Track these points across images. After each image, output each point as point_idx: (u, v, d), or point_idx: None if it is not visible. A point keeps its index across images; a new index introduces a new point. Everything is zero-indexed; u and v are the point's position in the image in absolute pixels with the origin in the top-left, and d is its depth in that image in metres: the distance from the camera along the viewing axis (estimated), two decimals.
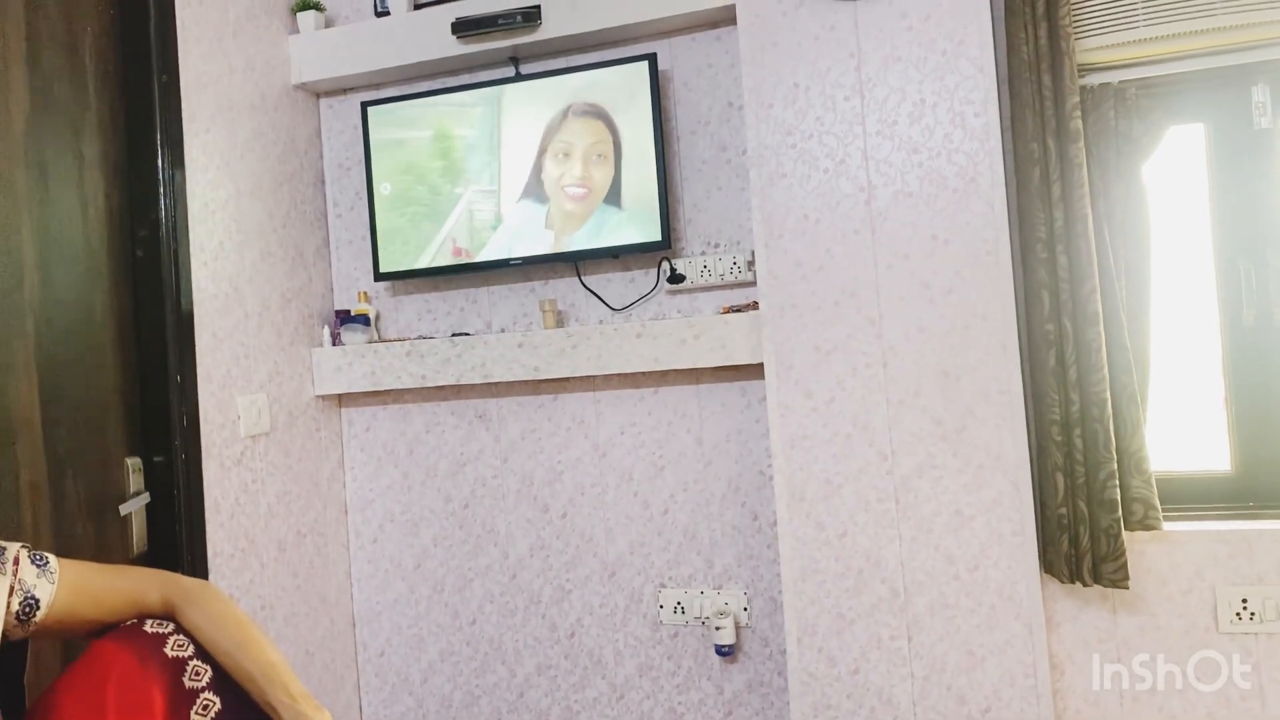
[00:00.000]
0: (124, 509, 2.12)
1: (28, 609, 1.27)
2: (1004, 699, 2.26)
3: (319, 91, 2.99)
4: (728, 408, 2.67)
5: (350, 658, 3.00)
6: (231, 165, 2.56)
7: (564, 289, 2.80)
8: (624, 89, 2.60)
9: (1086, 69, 2.36)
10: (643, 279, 2.73)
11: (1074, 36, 2.25)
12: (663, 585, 2.74)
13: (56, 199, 2.03)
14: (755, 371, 2.59)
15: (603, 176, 2.63)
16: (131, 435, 2.21)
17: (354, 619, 3.03)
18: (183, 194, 2.33)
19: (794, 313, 2.39)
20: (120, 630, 1.34)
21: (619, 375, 2.75)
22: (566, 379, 2.80)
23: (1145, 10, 2.24)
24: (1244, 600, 2.24)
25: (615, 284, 2.75)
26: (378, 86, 2.96)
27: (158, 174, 2.27)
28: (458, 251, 2.75)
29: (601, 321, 2.76)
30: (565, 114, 2.66)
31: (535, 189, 2.69)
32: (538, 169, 2.68)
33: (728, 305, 2.60)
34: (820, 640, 2.38)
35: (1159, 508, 2.23)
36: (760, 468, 2.64)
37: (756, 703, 2.65)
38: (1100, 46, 2.29)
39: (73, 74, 2.10)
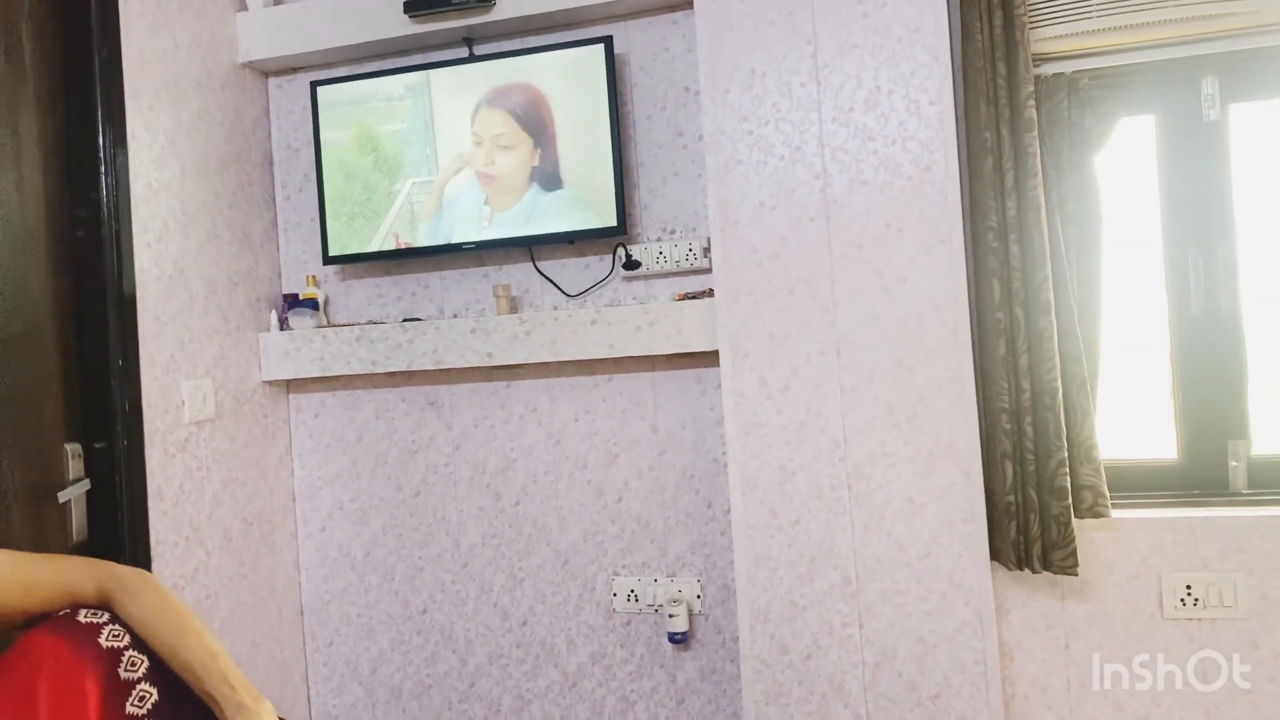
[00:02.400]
0: (63, 496, 2.07)
1: None
2: (954, 685, 2.27)
3: (267, 70, 2.93)
4: (683, 395, 2.66)
5: (298, 648, 2.96)
6: (176, 144, 2.50)
7: (518, 274, 2.77)
8: (565, 73, 2.58)
9: (1041, 59, 2.37)
10: (598, 265, 2.71)
11: (1029, 26, 2.25)
12: (616, 573, 2.73)
13: None
14: (710, 359, 2.58)
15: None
16: (71, 421, 2.16)
17: (302, 608, 2.98)
18: (125, 173, 2.27)
19: (749, 300, 2.38)
20: (53, 620, 1.31)
21: (573, 362, 2.73)
22: (520, 365, 2.77)
23: (1099, 0, 2.26)
24: (1188, 587, 2.28)
25: (570, 270, 2.73)
26: (328, 66, 2.90)
27: (99, 152, 2.21)
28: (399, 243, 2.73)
29: (556, 307, 2.73)
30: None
31: (468, 174, 2.67)
32: (467, 154, 2.67)
33: (683, 292, 2.59)
34: (773, 627, 2.39)
35: (1108, 495, 2.26)
36: (714, 455, 2.63)
37: (709, 690, 2.65)
38: (1055, 36, 2.30)
39: (8, 48, 2.03)
